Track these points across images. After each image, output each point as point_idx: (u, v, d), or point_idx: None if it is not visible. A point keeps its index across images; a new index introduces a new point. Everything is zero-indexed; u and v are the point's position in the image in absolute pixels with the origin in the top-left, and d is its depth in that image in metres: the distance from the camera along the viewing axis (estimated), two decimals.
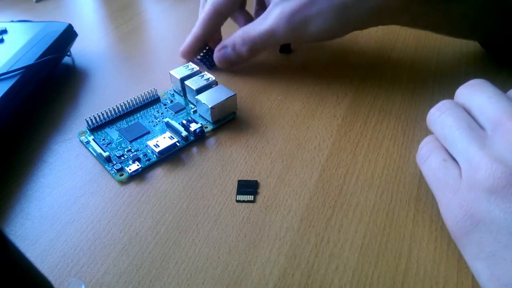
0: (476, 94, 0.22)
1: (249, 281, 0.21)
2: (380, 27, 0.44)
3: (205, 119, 0.31)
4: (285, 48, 0.40)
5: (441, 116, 0.23)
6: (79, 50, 0.43)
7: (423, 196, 0.25)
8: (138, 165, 0.27)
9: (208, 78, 0.32)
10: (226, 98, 0.30)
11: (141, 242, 0.23)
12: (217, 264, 0.22)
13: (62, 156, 0.30)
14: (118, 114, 0.32)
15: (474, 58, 0.38)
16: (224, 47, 0.35)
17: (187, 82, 0.32)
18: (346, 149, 0.29)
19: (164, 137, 0.29)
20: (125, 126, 0.31)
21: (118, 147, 0.30)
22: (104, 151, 0.28)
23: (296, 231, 0.23)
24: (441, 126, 0.22)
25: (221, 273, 0.21)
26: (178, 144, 0.29)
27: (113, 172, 0.27)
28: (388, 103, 0.33)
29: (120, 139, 0.30)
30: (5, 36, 0.38)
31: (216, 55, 0.36)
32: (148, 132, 0.31)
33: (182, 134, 0.29)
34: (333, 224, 0.24)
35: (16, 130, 0.32)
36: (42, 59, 0.34)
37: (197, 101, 0.31)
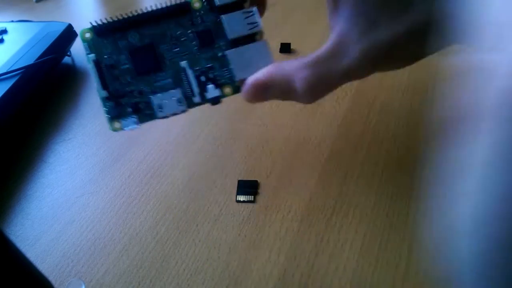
0: None
1: (249, 281, 0.21)
2: None
3: (228, 76, 0.23)
4: (285, 48, 0.40)
5: None
6: (79, 50, 0.43)
7: (423, 196, 0.25)
8: (135, 121, 0.23)
9: (255, 24, 0.23)
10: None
11: (141, 242, 0.23)
12: (217, 264, 0.22)
13: (62, 156, 0.30)
14: (133, 19, 0.23)
15: None
16: (265, 86, 0.22)
17: (225, 18, 0.23)
18: (346, 149, 0.29)
19: (173, 97, 0.23)
20: (138, 45, 0.23)
21: (122, 78, 0.23)
22: (103, 87, 0.23)
23: (296, 231, 0.23)
24: None
25: (221, 273, 0.21)
26: (185, 111, 0.23)
27: (107, 116, 0.23)
28: (388, 103, 0.33)
29: (126, 64, 0.23)
30: (5, 36, 0.38)
31: (251, 91, 0.22)
32: (160, 70, 0.23)
33: (194, 99, 0.23)
34: (333, 224, 0.24)
35: (16, 130, 0.32)
36: (42, 59, 0.34)
37: (227, 56, 0.23)
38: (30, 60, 0.34)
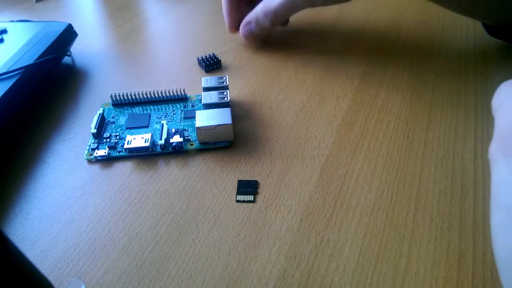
0: None
1: (249, 281, 0.21)
2: (380, 25, 0.44)
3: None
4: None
5: None
6: (79, 50, 0.43)
7: (423, 196, 0.25)
8: (106, 152, 0.29)
9: (224, 98, 0.31)
10: (218, 125, 0.28)
11: (141, 242, 0.23)
12: (217, 264, 0.22)
13: (62, 156, 0.30)
14: (142, 99, 0.33)
15: (475, 57, 0.38)
16: (248, 23, 0.39)
17: (204, 93, 0.32)
18: (346, 149, 0.29)
19: (142, 137, 0.29)
20: (138, 113, 0.33)
21: (114, 129, 0.31)
22: (95, 128, 0.30)
23: (296, 231, 0.23)
24: None
25: (221, 273, 0.21)
26: (148, 150, 0.28)
27: (87, 147, 0.30)
28: (388, 102, 0.33)
29: (123, 123, 0.32)
30: (5, 36, 0.38)
31: (242, 31, 0.40)
32: (146, 126, 0.31)
33: (158, 142, 0.29)
34: (333, 224, 0.24)
35: (16, 130, 0.32)
36: (42, 59, 0.34)
37: (196, 115, 0.30)
38: (30, 60, 0.34)
